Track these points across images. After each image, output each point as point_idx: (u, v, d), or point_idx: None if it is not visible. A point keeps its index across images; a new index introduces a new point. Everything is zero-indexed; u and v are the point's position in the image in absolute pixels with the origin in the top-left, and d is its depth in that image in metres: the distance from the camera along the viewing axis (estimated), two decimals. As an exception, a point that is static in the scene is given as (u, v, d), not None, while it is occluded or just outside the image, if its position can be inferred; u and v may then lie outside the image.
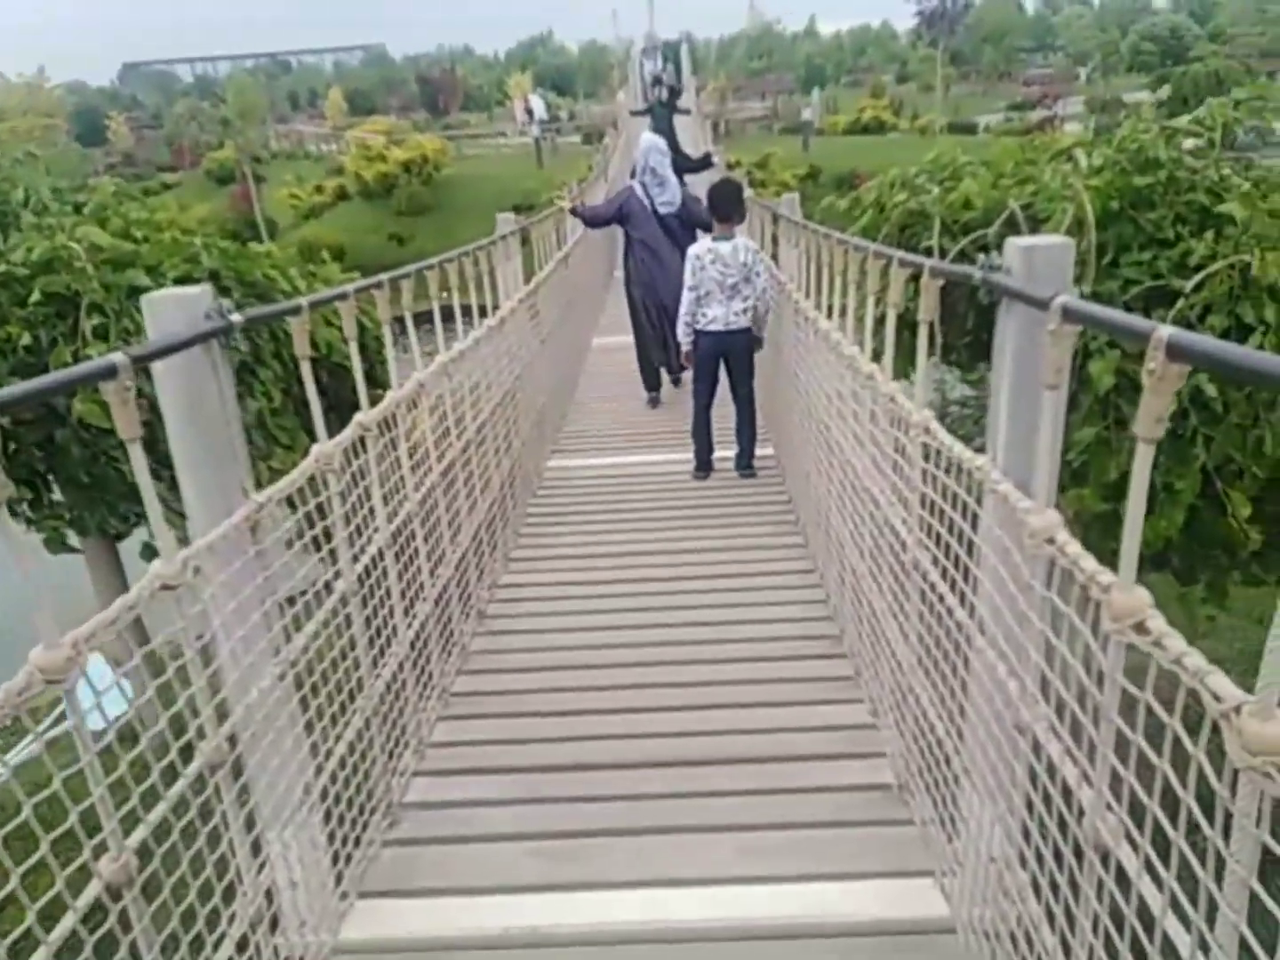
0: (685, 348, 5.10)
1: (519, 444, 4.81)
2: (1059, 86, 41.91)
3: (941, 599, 2.22)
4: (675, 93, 14.63)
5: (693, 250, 4.99)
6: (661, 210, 6.16)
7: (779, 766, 2.88)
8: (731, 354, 5.06)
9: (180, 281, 4.00)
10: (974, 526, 1.97)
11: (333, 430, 2.53)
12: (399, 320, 3.01)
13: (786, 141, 27.84)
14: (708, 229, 5.20)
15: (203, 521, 1.92)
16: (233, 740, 1.85)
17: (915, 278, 2.33)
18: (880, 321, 2.62)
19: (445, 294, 3.68)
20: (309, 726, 2.25)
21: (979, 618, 1.99)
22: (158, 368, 1.82)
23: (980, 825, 2.00)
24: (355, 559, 2.54)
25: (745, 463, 5.26)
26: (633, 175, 6.48)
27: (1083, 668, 1.41)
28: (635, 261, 6.32)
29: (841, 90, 50.77)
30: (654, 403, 6.87)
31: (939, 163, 4.25)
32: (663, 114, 13.19)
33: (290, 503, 2.25)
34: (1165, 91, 26.64)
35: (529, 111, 30.76)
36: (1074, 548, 1.43)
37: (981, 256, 1.77)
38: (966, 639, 2.07)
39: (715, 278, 4.89)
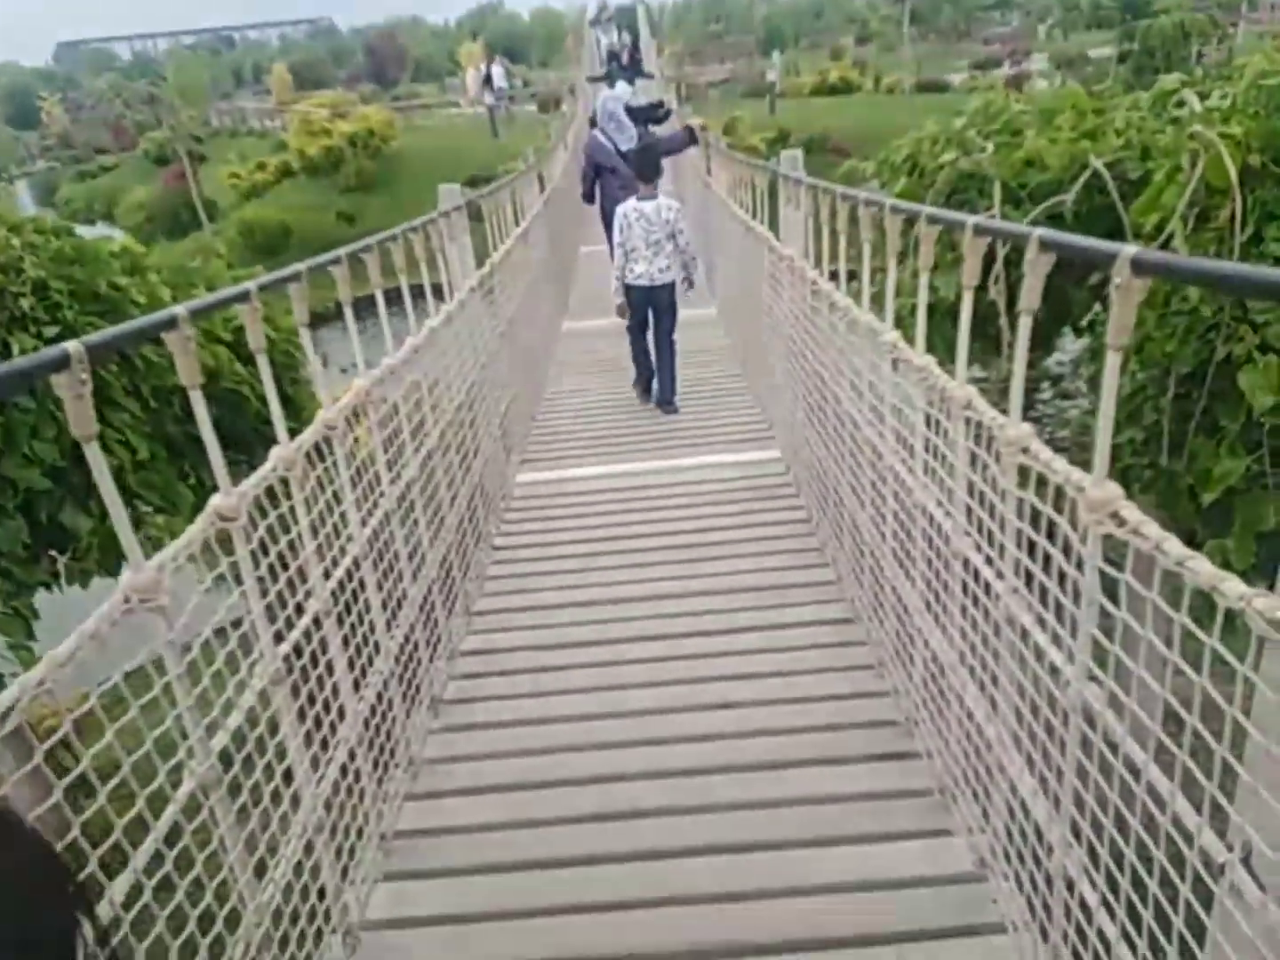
0: (618, 300, 5.68)
1: (480, 460, 4.14)
2: (1020, 44, 41.35)
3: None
4: (636, 60, 14.85)
5: (620, 209, 5.52)
6: (623, 148, 7.30)
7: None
8: (657, 305, 5.62)
9: None
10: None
11: (236, 481, 1.91)
12: (313, 322, 2.36)
13: (751, 105, 27.01)
14: (669, 151, 6.43)
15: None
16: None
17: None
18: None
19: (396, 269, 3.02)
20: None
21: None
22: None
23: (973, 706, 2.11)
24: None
25: (667, 398, 5.86)
26: (593, 125, 7.74)
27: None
28: (610, 195, 7.18)
29: (801, 52, 49.80)
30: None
31: (988, 113, 3.56)
32: (621, 77, 12.65)
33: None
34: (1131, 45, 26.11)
35: (487, 80, 29.50)
36: (1045, 453, 1.62)
37: None
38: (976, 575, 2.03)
39: (640, 234, 5.44)
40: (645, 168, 5.54)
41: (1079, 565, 1.54)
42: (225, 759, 1.60)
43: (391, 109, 28.12)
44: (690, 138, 8.21)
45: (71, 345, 1.26)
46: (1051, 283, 1.71)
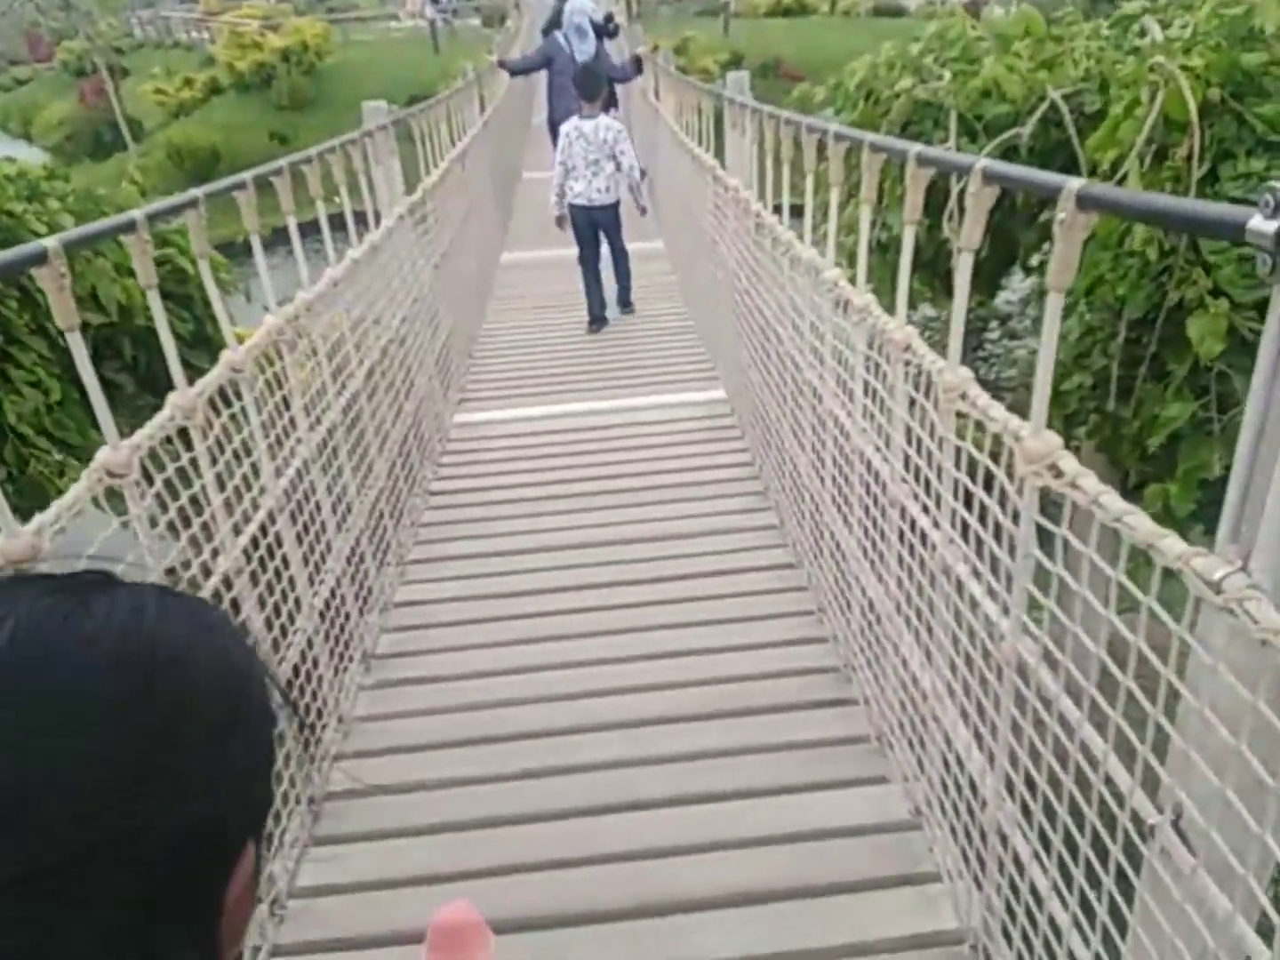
0: (556, 213, 5.77)
1: (414, 401, 3.97)
2: (977, -34, 40.45)
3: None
4: None
5: (563, 127, 5.63)
6: (579, 58, 7.43)
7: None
8: (601, 225, 5.73)
9: None
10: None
11: (141, 421, 1.77)
12: (228, 251, 2.18)
13: (704, 23, 26.06)
14: (617, 79, 6.90)
15: None
16: None
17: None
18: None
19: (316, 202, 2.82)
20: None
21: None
22: None
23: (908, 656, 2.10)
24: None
25: (624, 299, 6.17)
26: (546, 34, 8.34)
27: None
28: (557, 99, 7.60)
29: (755, -30, 48.12)
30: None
31: (945, 38, 3.39)
32: None
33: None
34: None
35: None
36: (983, 400, 1.58)
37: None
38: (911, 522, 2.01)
39: (580, 153, 5.53)
40: (587, 86, 5.60)
41: (1015, 517, 1.49)
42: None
43: (326, 21, 26.59)
44: (637, 68, 8.22)
45: (48, 243, 1.12)
46: (1000, 221, 1.64)
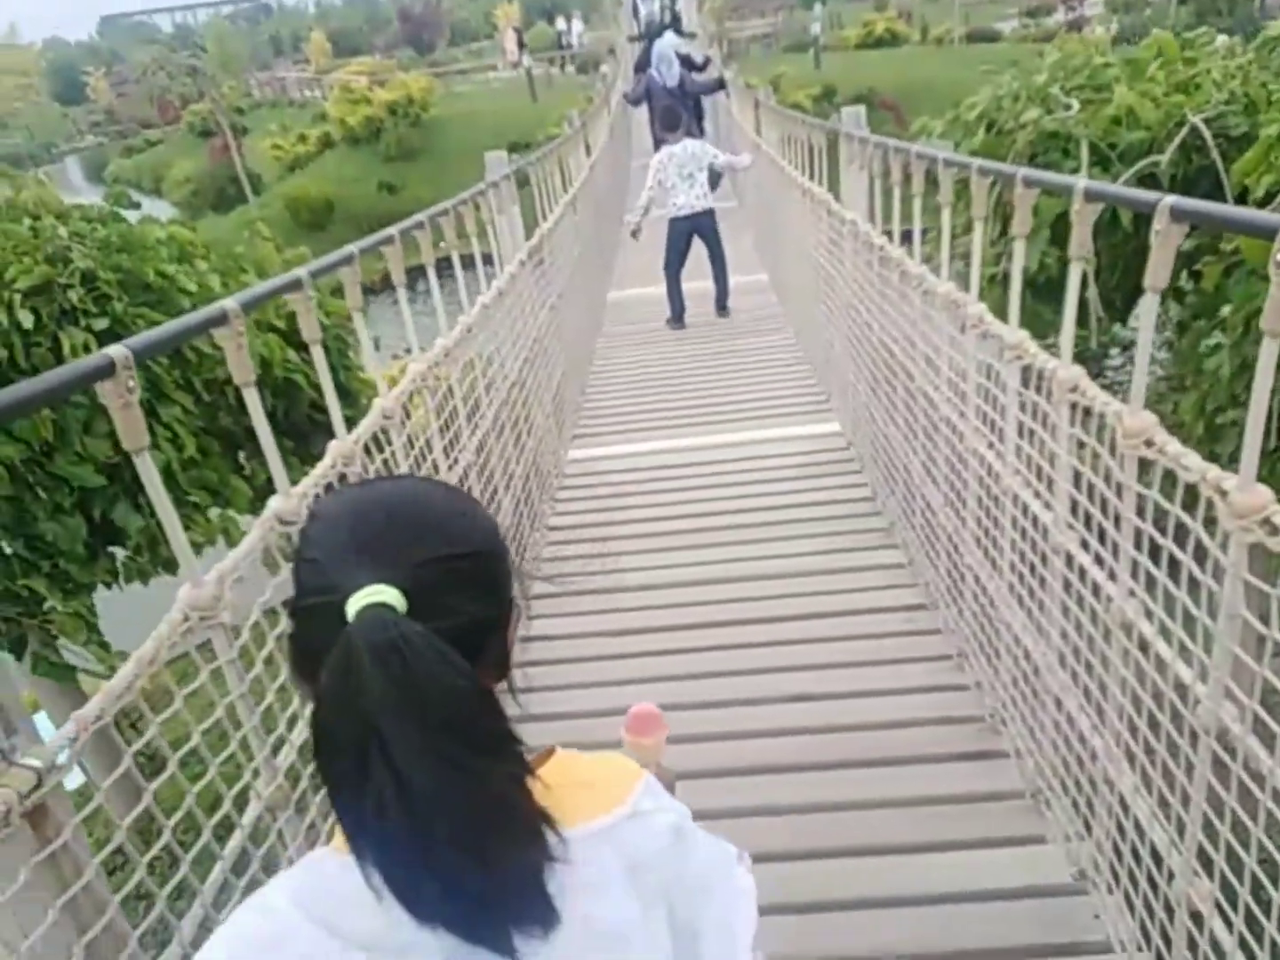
0: (633, 226, 6.74)
1: (534, 439, 4.02)
2: (1074, -14, 39.47)
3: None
4: (676, 18, 17.77)
5: (654, 159, 6.50)
6: (669, 84, 9.28)
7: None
8: (700, 231, 6.49)
9: (36, 291, 2.89)
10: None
11: (289, 472, 1.82)
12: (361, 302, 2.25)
13: (794, 59, 26.20)
14: (703, 92, 9.30)
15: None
16: None
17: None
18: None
19: (440, 244, 2.91)
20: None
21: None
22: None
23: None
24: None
25: (722, 303, 6.89)
26: (639, 71, 10.85)
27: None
28: (658, 124, 8.34)
29: (844, 4, 48.21)
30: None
31: (1068, 66, 3.29)
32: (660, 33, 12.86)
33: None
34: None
35: (521, 44, 29.44)
36: (1174, 446, 1.49)
37: None
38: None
39: (674, 171, 6.38)
40: (667, 119, 6.71)
41: (1215, 574, 1.39)
42: (293, 776, 1.52)
43: (430, 74, 27.83)
44: (719, 84, 10.31)
45: (115, 350, 1.16)
46: (1137, 247, 1.58)
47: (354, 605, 0.63)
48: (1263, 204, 2.64)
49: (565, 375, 5.09)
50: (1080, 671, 1.89)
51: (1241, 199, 2.95)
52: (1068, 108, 3.11)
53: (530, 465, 3.94)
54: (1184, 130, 3.00)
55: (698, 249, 6.70)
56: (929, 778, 2.47)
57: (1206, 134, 2.95)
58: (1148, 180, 3.23)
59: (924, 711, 2.70)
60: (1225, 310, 3.00)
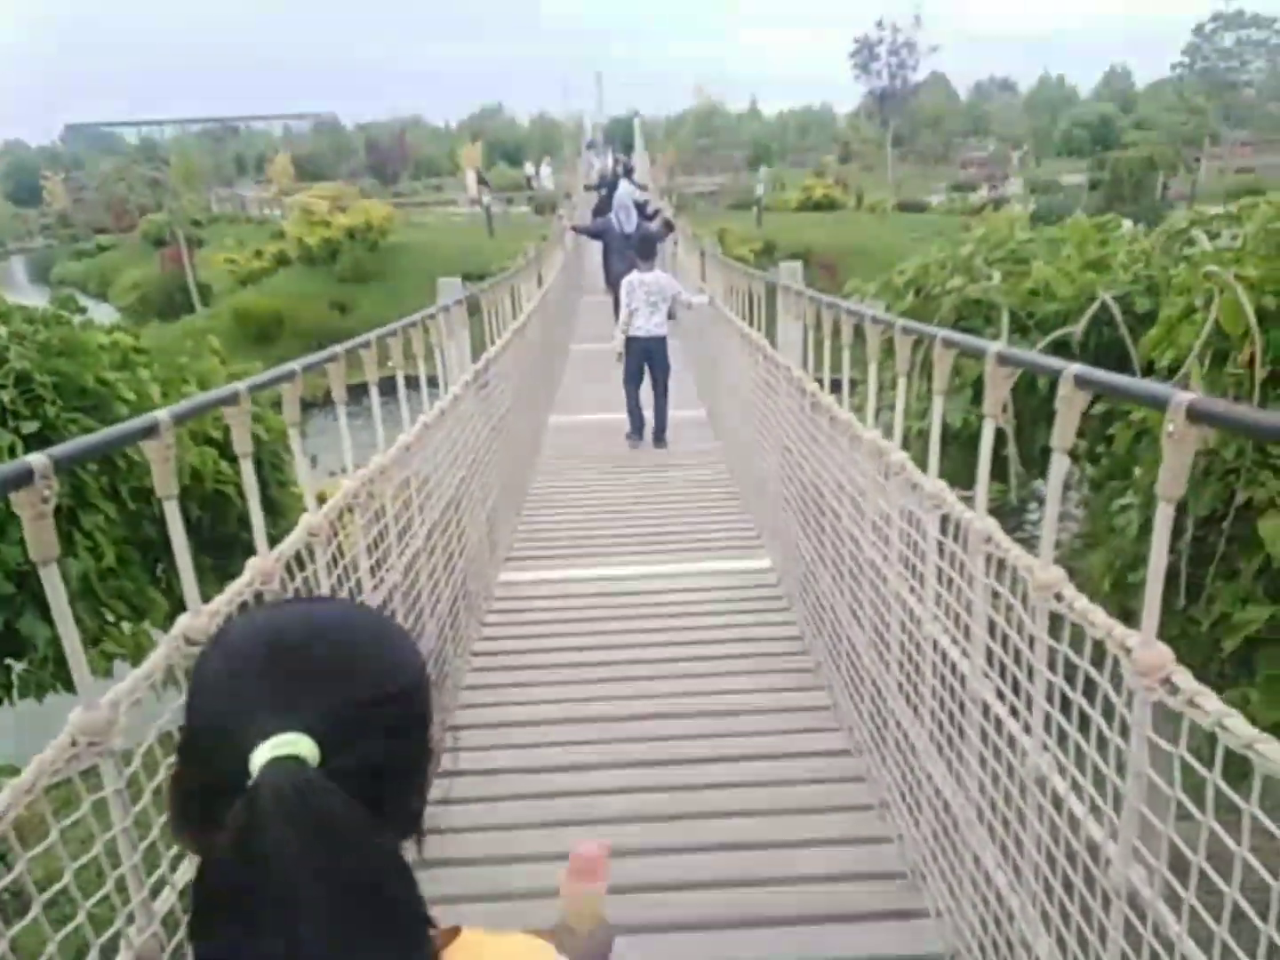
0: (618, 349, 7.09)
1: (465, 559, 3.98)
2: (994, 169, 43.31)
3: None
4: (630, 172, 18.38)
5: (627, 280, 7.06)
6: (626, 230, 10.36)
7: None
8: (653, 355, 7.06)
9: None
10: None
11: (209, 586, 1.77)
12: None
13: (738, 216, 27.93)
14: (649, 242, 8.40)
15: None
16: None
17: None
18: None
19: (388, 363, 2.95)
20: None
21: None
22: None
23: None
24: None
25: (659, 435, 7.25)
26: (596, 215, 12.44)
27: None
28: (611, 261, 10.51)
29: (786, 169, 51.92)
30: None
31: (992, 240, 3.60)
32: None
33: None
34: (1101, 174, 27.42)
35: (483, 182, 31.14)
36: (1081, 602, 1.55)
37: None
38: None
39: (642, 297, 6.96)
40: (644, 251, 7.25)
41: (1124, 730, 1.42)
42: (171, 923, 1.41)
43: (391, 204, 28.82)
44: (669, 228, 11.65)
45: (35, 459, 1.13)
46: (1047, 404, 1.67)
47: (261, 755, 0.57)
48: (1167, 376, 2.86)
49: (502, 496, 5.09)
50: (998, 826, 1.88)
51: (1149, 371, 3.19)
52: (990, 278, 3.39)
53: (459, 587, 3.88)
54: (1095, 305, 3.26)
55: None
56: (849, 937, 2.38)
57: (1115, 309, 3.21)
58: (1063, 348, 3.48)
59: (846, 865, 2.63)
60: (1137, 472, 3.19)
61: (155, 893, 1.38)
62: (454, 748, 3.30)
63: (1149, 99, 59.60)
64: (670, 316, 7.41)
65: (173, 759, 0.66)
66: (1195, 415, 1.19)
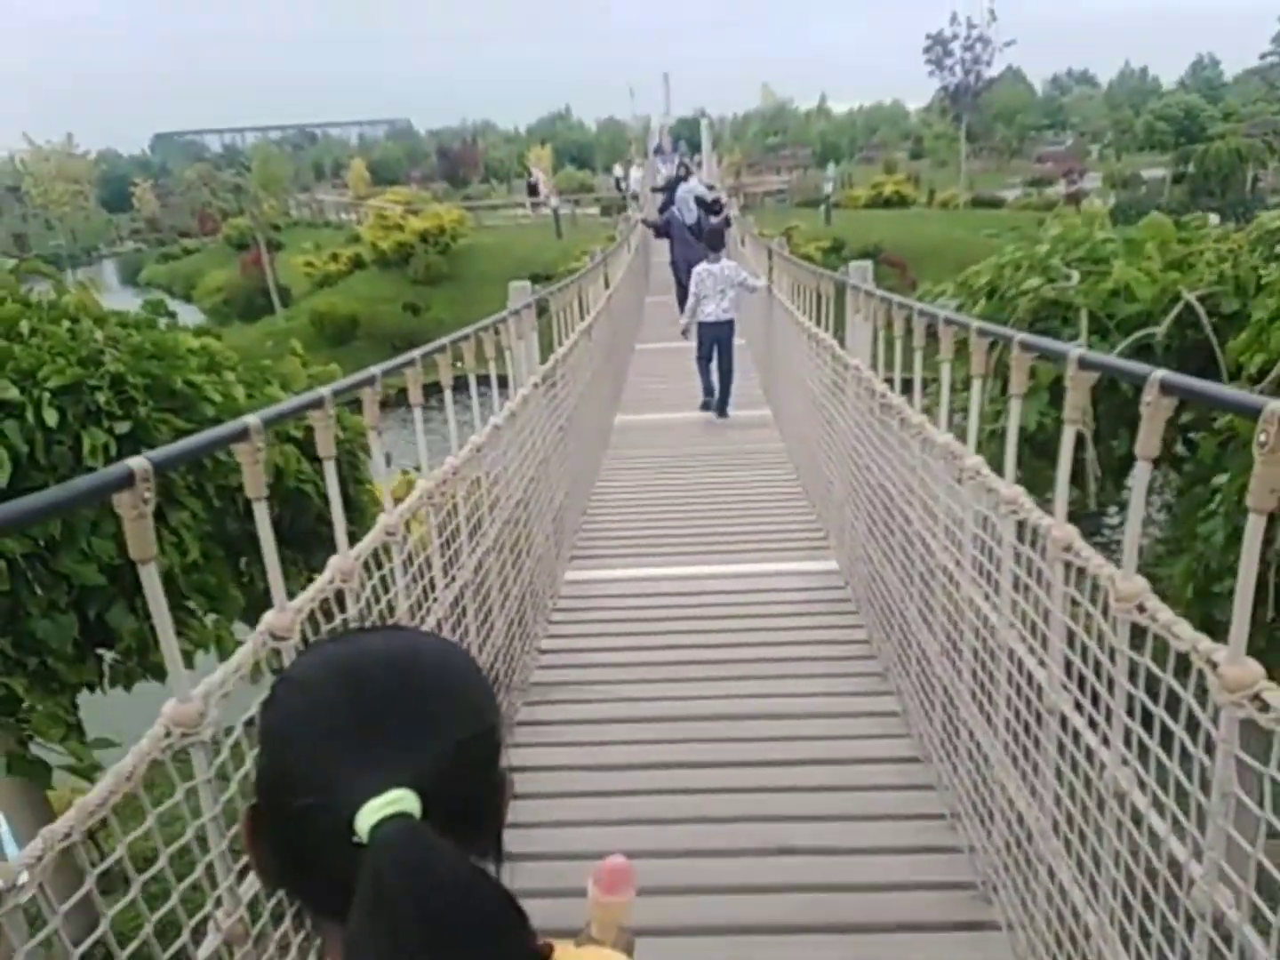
0: (684, 326, 8.02)
1: (533, 558, 4.03)
2: (1072, 163, 42.01)
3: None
4: (689, 174, 18.51)
5: (696, 271, 7.74)
6: (687, 221, 11.25)
7: None
8: (720, 338, 7.76)
9: (65, 390, 2.96)
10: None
11: (289, 582, 1.83)
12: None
13: (806, 214, 27.66)
14: (702, 235, 9.60)
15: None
16: None
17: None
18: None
19: (459, 364, 3.01)
20: None
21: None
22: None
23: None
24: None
25: (722, 408, 8.01)
26: (662, 210, 13.10)
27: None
28: (677, 250, 11.33)
29: (855, 166, 51.26)
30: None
31: (1070, 239, 3.49)
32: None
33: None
34: (1185, 168, 26.40)
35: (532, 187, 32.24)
36: (1165, 614, 1.50)
37: None
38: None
39: (711, 285, 7.65)
40: (713, 243, 8.03)
41: (1209, 747, 1.38)
42: (254, 909, 1.46)
43: (462, 208, 29.33)
44: (727, 222, 12.25)
45: (136, 463, 1.19)
46: (1137, 412, 1.60)
47: (369, 818, 0.54)
48: (1256, 380, 2.74)
49: (569, 495, 5.15)
50: (1074, 840, 1.83)
51: (1237, 375, 3.07)
52: (1068, 278, 3.29)
53: (527, 585, 3.94)
54: (1179, 305, 3.15)
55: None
56: (917, 949, 2.35)
57: (1200, 310, 3.10)
58: (1144, 350, 3.36)
59: (914, 875, 2.59)
60: (1221, 479, 3.07)
61: (240, 877, 1.44)
62: (517, 744, 3.37)
63: (1237, 90, 57.18)
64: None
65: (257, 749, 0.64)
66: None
